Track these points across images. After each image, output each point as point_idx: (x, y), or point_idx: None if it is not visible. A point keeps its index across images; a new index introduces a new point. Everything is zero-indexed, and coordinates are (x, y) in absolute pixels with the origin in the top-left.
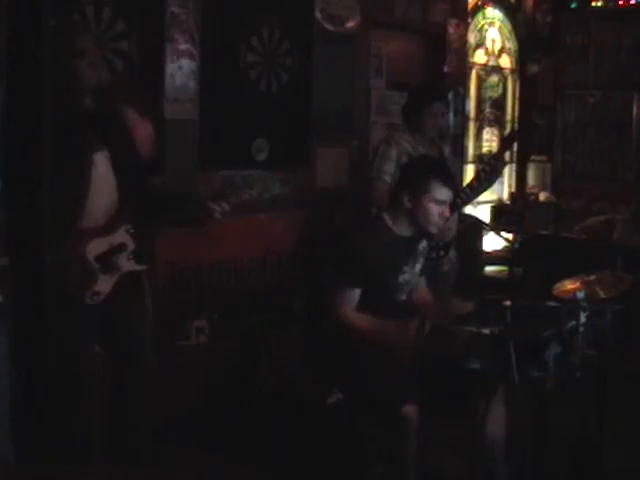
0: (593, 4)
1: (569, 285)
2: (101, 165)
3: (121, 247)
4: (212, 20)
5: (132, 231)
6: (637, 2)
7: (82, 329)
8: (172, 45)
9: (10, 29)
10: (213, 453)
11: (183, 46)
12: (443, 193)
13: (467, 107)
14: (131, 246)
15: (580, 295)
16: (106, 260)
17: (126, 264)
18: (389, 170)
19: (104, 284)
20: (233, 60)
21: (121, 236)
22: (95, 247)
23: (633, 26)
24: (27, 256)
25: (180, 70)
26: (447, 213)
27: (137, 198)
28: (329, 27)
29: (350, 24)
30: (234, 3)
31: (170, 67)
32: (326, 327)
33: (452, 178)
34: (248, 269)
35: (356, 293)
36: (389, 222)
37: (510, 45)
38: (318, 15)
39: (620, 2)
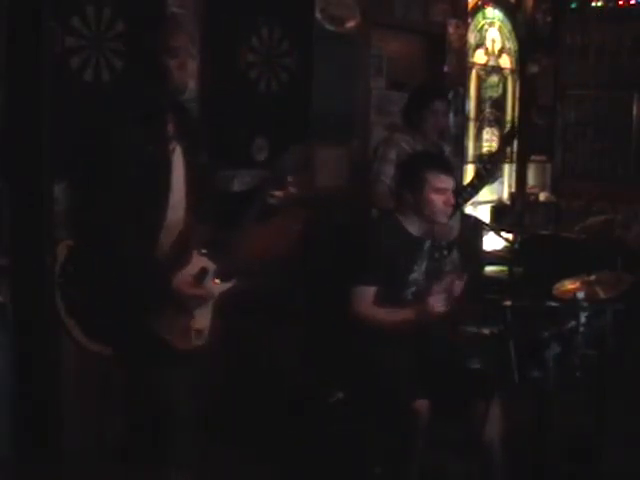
0: (593, 4)
1: (569, 285)
2: (177, 166)
3: (203, 273)
4: (212, 20)
5: (205, 251)
6: (637, 2)
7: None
8: None
9: (10, 29)
10: (212, 453)
11: None
12: (443, 181)
13: (467, 107)
14: (212, 266)
15: (580, 295)
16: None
17: (216, 287)
18: (389, 172)
19: (202, 319)
20: (233, 60)
21: (198, 262)
22: (179, 283)
23: (633, 26)
24: (27, 256)
25: None
26: (452, 200)
27: (208, 210)
28: (329, 27)
29: (350, 24)
30: (234, 3)
31: None
32: (332, 325)
33: (449, 165)
34: (248, 269)
35: (372, 291)
36: (403, 222)
37: (510, 45)
38: (318, 15)
39: (620, 2)
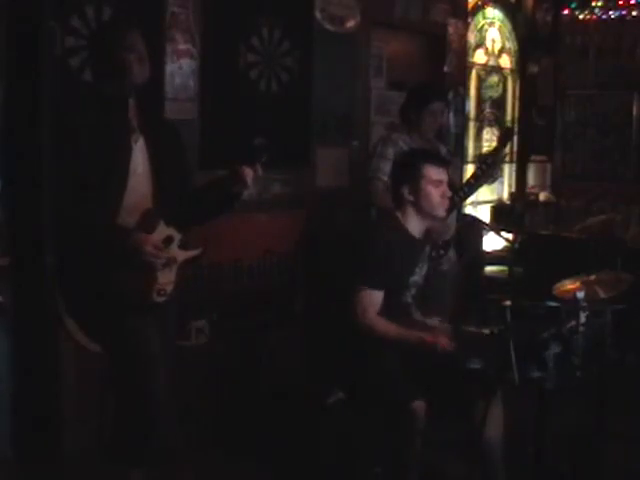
0: (593, 4)
1: (569, 285)
2: (139, 155)
3: (169, 240)
4: (212, 20)
5: (171, 222)
6: (637, 2)
7: (152, 329)
8: (172, 45)
9: (10, 29)
10: (213, 453)
11: (183, 46)
12: (438, 173)
13: (467, 107)
14: (177, 235)
15: (580, 295)
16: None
17: (180, 253)
18: (386, 170)
19: (166, 277)
20: (233, 60)
21: (163, 230)
22: (144, 245)
23: (633, 26)
24: (27, 256)
25: (180, 70)
26: (448, 193)
27: (174, 193)
28: (329, 27)
29: (350, 24)
30: (234, 3)
31: (170, 67)
32: (332, 326)
33: (443, 159)
34: (248, 269)
35: (380, 295)
36: (402, 221)
37: (510, 45)
38: (318, 15)
39: (620, 2)
